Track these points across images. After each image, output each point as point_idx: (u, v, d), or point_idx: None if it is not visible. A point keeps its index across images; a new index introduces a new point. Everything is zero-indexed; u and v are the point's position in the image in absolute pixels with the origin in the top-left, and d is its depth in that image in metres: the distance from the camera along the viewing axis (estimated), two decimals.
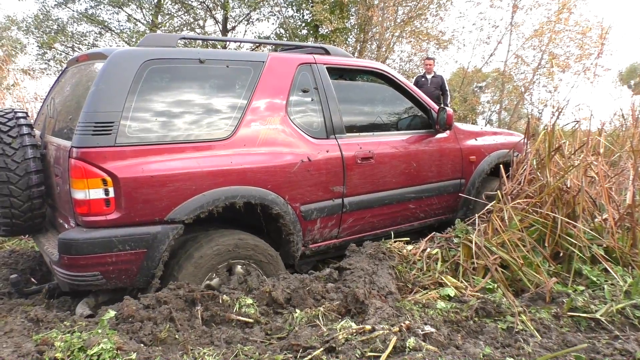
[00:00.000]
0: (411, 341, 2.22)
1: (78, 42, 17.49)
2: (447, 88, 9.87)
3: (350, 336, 2.31)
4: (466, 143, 4.58)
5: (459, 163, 4.49)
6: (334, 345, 2.23)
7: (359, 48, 15.36)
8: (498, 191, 3.93)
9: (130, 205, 2.81)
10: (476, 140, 4.70)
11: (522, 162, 4.19)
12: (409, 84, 4.34)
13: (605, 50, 15.03)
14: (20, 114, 3.25)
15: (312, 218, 3.55)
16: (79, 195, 2.74)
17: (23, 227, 3.28)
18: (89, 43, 17.54)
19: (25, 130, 3.16)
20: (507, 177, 4.22)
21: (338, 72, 3.96)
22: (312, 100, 3.64)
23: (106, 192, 2.75)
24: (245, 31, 14.23)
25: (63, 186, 2.98)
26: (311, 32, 14.76)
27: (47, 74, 17.09)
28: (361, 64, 4.20)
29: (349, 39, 14.97)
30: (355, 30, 15.43)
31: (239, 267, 3.23)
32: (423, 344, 2.24)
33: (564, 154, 4.00)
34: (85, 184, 2.71)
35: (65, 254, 2.76)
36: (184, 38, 3.56)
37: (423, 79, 9.76)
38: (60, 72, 4.03)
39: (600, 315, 2.79)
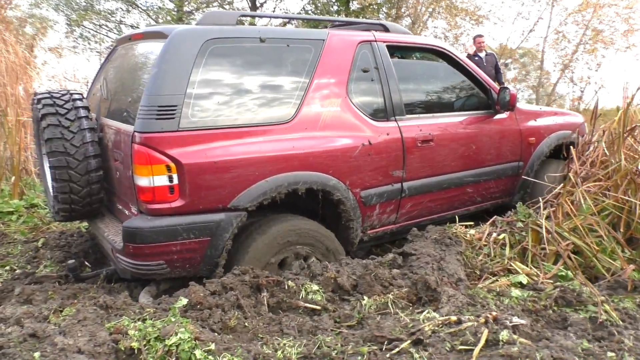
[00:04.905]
0: (504, 334, 2.09)
1: (105, 20, 17.39)
2: (500, 66, 9.33)
3: (436, 328, 2.19)
4: (526, 124, 4.39)
5: (518, 145, 4.31)
6: (421, 337, 2.12)
7: None
8: (568, 174, 3.73)
9: (194, 192, 2.72)
10: (535, 121, 4.49)
11: (589, 143, 3.98)
12: (469, 63, 4.15)
13: None
14: (76, 96, 3.16)
15: (372, 204, 3.44)
16: (142, 182, 2.66)
17: (81, 213, 3.22)
18: (116, 20, 17.43)
19: (82, 112, 3.07)
20: (571, 159, 4.01)
21: (397, 51, 3.78)
22: (372, 80, 3.48)
23: (170, 178, 2.66)
24: (275, 7, 13.97)
25: (124, 172, 2.89)
26: (342, 7, 14.41)
27: (76, 52, 17.12)
28: (421, 41, 4.05)
29: (381, 15, 14.58)
30: (387, 5, 15.02)
31: (302, 253, 3.16)
32: (515, 337, 2.12)
33: (635, 135, 3.77)
34: (150, 171, 2.63)
35: (130, 242, 2.71)
36: (244, 15, 3.39)
37: (477, 58, 9.03)
38: (109, 51, 3.93)
39: None
